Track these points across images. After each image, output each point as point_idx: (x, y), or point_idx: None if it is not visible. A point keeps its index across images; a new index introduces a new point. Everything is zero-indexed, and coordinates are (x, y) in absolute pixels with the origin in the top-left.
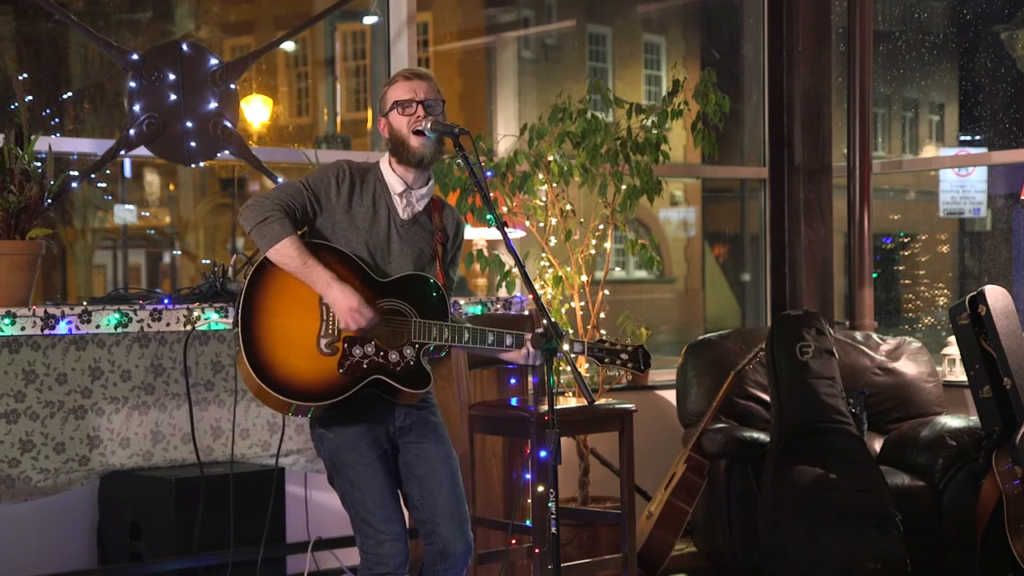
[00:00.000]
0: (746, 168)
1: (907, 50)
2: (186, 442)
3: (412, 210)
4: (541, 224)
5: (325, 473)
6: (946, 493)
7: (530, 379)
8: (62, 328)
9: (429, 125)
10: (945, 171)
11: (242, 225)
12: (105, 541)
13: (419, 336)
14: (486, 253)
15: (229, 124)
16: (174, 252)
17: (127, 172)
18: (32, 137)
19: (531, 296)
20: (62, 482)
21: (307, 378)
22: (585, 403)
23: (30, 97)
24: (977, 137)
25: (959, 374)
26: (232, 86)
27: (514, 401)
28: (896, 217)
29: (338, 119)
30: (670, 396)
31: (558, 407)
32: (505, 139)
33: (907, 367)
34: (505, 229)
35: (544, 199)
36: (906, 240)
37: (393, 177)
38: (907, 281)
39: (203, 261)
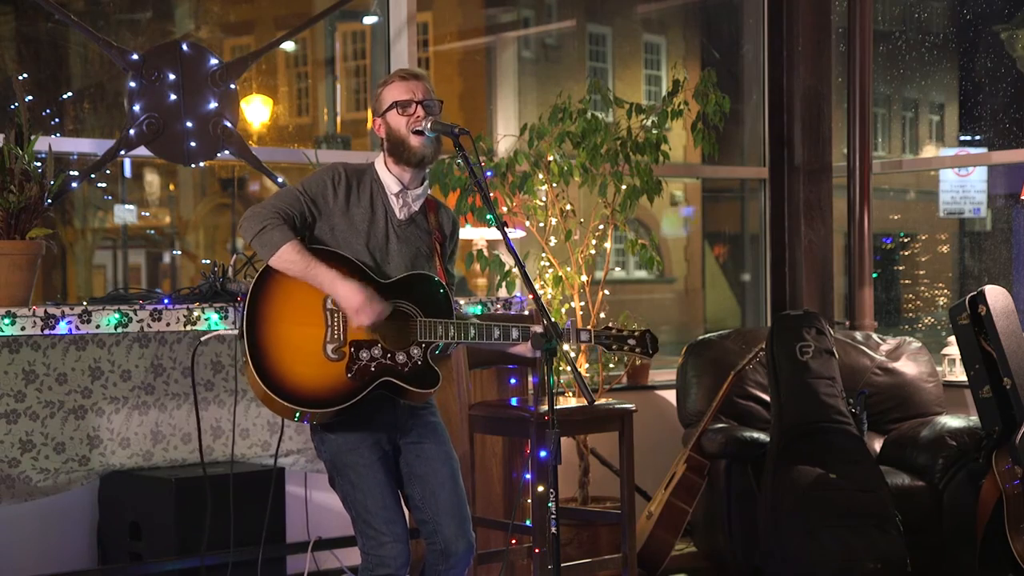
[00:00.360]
0: (746, 168)
1: (907, 50)
2: (186, 442)
3: (409, 210)
4: (541, 224)
5: (325, 473)
6: (946, 493)
7: (530, 379)
8: (62, 328)
9: (429, 125)
10: (945, 171)
11: (243, 237)
12: (105, 541)
13: (425, 335)
14: (486, 253)
15: (229, 124)
16: (174, 252)
17: (127, 172)
18: (32, 137)
19: (531, 296)
20: (62, 482)
21: (316, 385)
22: (585, 403)
23: (30, 97)
24: (977, 137)
25: (959, 374)
26: (232, 86)
27: (514, 401)
28: (896, 217)
29: (338, 119)
30: (670, 396)
31: (558, 407)
32: (505, 139)
33: (907, 367)
34: (505, 229)
35: (544, 199)
36: (906, 240)
37: (389, 177)
38: (907, 281)
39: (203, 261)
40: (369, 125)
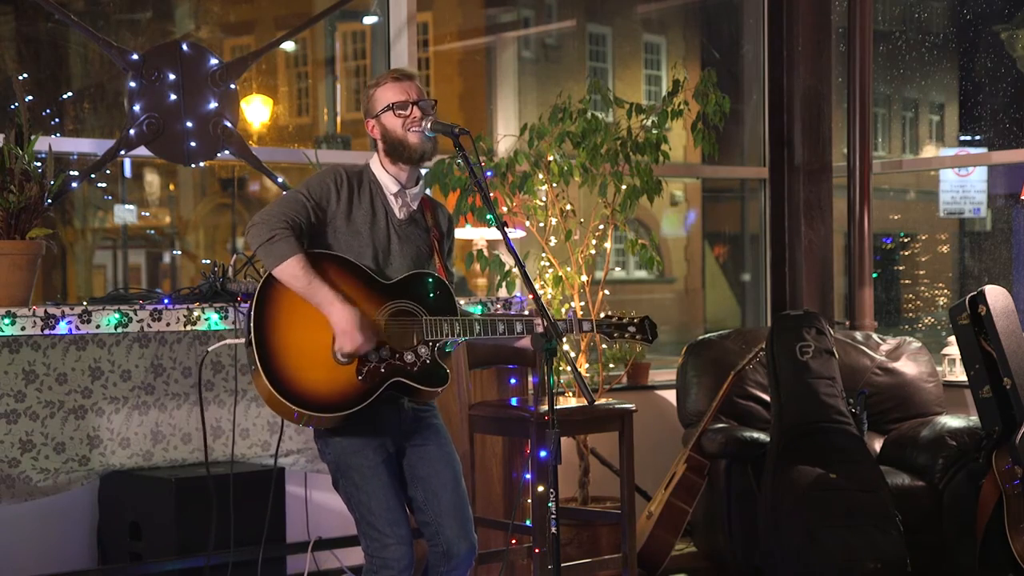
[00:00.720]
0: (746, 168)
1: (907, 50)
2: (186, 442)
3: (408, 209)
4: (541, 224)
5: (325, 473)
6: (946, 493)
7: (530, 379)
8: (62, 328)
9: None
10: (945, 171)
11: (249, 243)
12: (105, 541)
13: (431, 334)
14: (486, 253)
15: (229, 124)
16: (174, 252)
17: (127, 172)
18: (32, 137)
19: (531, 296)
20: (62, 482)
21: (327, 389)
22: (585, 403)
23: (30, 97)
24: (977, 137)
25: (959, 374)
26: (232, 86)
27: (514, 401)
28: (896, 217)
29: (338, 119)
30: (670, 396)
31: (558, 407)
32: (505, 139)
33: (907, 367)
34: (505, 229)
35: (544, 199)
36: (906, 240)
37: (387, 177)
38: (907, 281)
39: (203, 261)
40: None
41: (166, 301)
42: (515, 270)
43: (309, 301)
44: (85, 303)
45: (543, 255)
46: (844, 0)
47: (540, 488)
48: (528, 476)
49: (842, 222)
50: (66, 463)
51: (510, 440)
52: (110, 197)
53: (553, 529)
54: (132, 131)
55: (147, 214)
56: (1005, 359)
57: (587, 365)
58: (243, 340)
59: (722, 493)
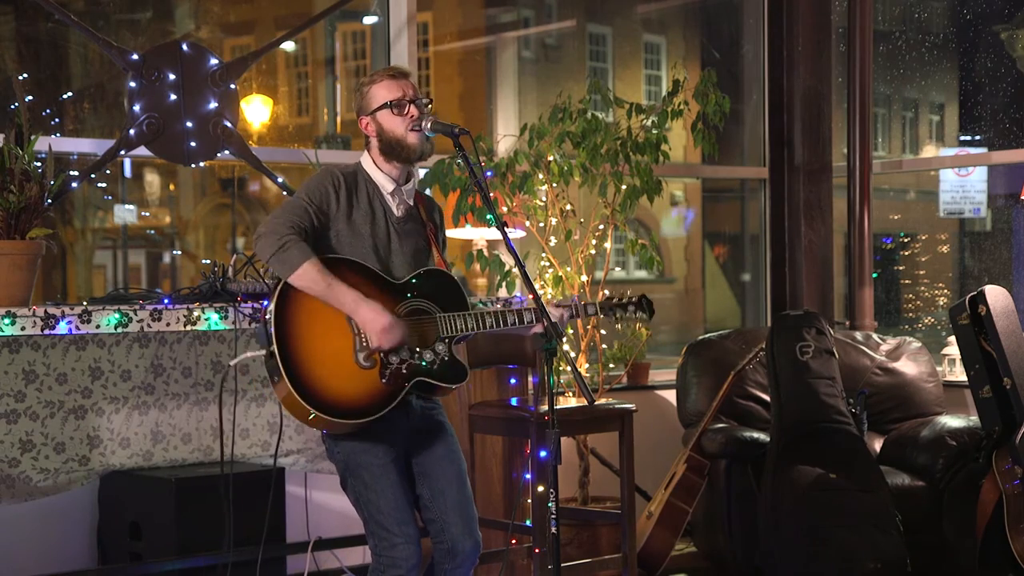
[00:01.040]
0: (746, 168)
1: (907, 50)
2: (186, 442)
3: (405, 206)
4: (541, 224)
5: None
6: (946, 493)
7: (530, 379)
8: (62, 328)
9: (429, 125)
10: (945, 171)
11: (258, 255)
12: (105, 541)
13: (447, 330)
14: (486, 253)
15: (229, 124)
16: (174, 252)
17: (127, 172)
18: (32, 137)
19: (531, 296)
20: (62, 482)
21: (353, 395)
22: (585, 403)
23: (30, 97)
24: (977, 137)
25: (959, 374)
26: (232, 86)
27: (514, 401)
28: (896, 217)
29: (338, 119)
30: (670, 396)
31: (558, 407)
32: (505, 139)
33: (907, 367)
34: (505, 229)
35: (544, 199)
36: (906, 240)
37: (382, 176)
38: (907, 281)
39: (203, 261)
40: None
41: (166, 301)
42: (515, 270)
43: (331, 304)
44: (85, 303)
45: (543, 255)
46: (844, 0)
47: (540, 488)
48: (528, 476)
49: (842, 222)
50: (66, 463)
51: (510, 440)
52: (110, 197)
53: (553, 529)
54: (132, 131)
55: (147, 214)
56: (1005, 359)
57: (587, 365)
58: (263, 353)
59: (722, 493)
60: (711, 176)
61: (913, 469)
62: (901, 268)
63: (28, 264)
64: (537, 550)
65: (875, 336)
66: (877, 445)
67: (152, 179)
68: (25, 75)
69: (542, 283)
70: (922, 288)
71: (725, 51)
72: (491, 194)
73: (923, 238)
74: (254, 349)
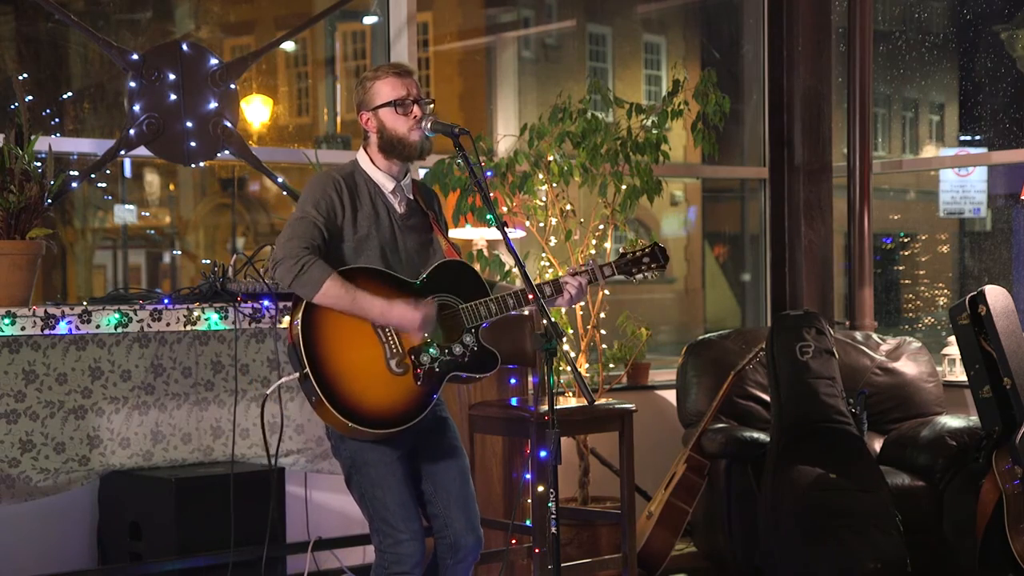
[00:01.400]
0: (746, 168)
1: (907, 50)
2: (186, 442)
3: (405, 201)
4: (541, 224)
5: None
6: (946, 493)
7: (530, 379)
8: (62, 328)
9: (429, 125)
10: (945, 171)
11: (279, 281)
12: (105, 541)
13: (472, 320)
14: (486, 253)
15: (229, 124)
16: (174, 252)
17: (127, 172)
18: (32, 137)
19: (531, 296)
20: (62, 482)
21: (392, 402)
22: (585, 403)
23: (30, 97)
24: (977, 137)
25: (959, 374)
26: (232, 86)
27: (514, 401)
28: (896, 217)
29: (338, 119)
30: (670, 396)
31: (558, 407)
32: (505, 139)
33: (907, 367)
34: (505, 229)
35: (544, 199)
36: (906, 240)
37: (381, 175)
38: (907, 281)
39: (203, 261)
40: None
41: (166, 301)
42: (515, 270)
43: (360, 316)
44: (85, 303)
45: (543, 255)
46: (844, 0)
47: (540, 488)
48: (528, 476)
49: (842, 222)
50: (66, 463)
51: (510, 440)
52: (110, 197)
53: (553, 529)
54: (132, 131)
55: (147, 214)
56: (1005, 359)
57: (587, 365)
58: (296, 375)
59: (722, 493)
60: (711, 176)
61: (913, 469)
62: (901, 268)
63: (28, 264)
64: (537, 550)
65: (875, 336)
66: (877, 445)
67: (152, 179)
68: (25, 75)
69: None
70: (922, 288)
71: (725, 51)
72: (491, 194)
73: (923, 238)
74: (285, 372)
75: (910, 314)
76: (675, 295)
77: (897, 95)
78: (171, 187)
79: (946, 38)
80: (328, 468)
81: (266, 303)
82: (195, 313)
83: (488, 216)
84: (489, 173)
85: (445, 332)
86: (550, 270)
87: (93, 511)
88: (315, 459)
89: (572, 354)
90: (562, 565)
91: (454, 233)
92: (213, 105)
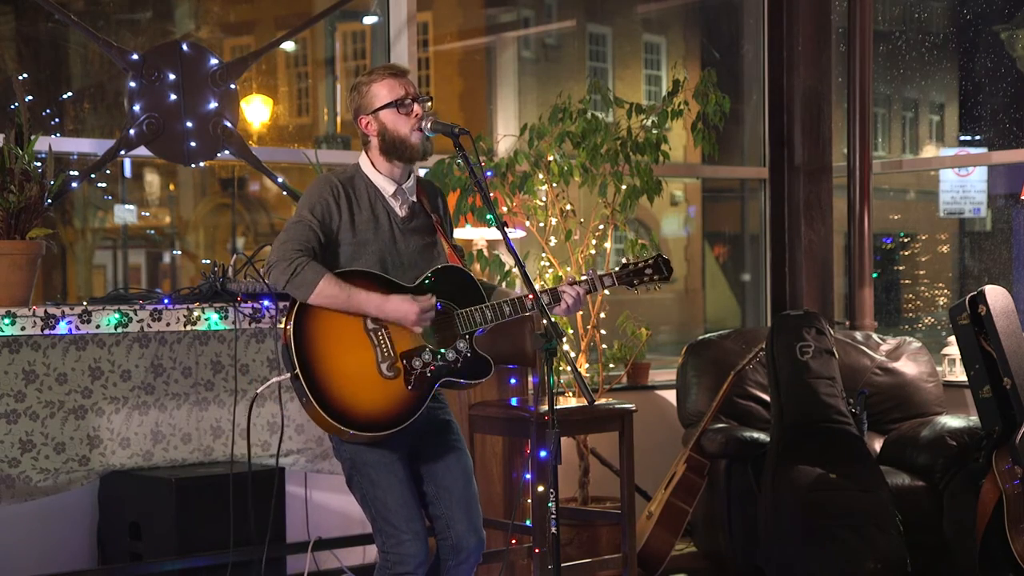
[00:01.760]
0: (746, 168)
1: (907, 50)
2: (186, 442)
3: (407, 205)
4: (541, 224)
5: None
6: (946, 493)
7: (530, 379)
8: (62, 328)
9: (429, 125)
10: (945, 171)
11: (273, 284)
12: (105, 541)
13: (466, 326)
14: (486, 253)
15: (229, 124)
16: (174, 252)
17: (127, 172)
18: (32, 137)
19: (531, 296)
20: (62, 482)
21: (382, 406)
22: (585, 403)
23: (30, 97)
24: (977, 137)
25: (959, 374)
26: (232, 86)
27: (514, 401)
28: (896, 217)
29: (338, 119)
30: (670, 396)
31: (558, 407)
32: (505, 139)
33: (907, 367)
34: (505, 229)
35: (544, 199)
36: (906, 240)
37: (382, 179)
38: (907, 281)
39: (203, 261)
40: None
41: (166, 301)
42: (515, 270)
43: (356, 312)
44: (85, 303)
45: (543, 255)
46: (844, 0)
47: (540, 488)
48: (528, 476)
49: (842, 222)
50: (66, 463)
51: (510, 440)
52: (110, 197)
53: (553, 529)
54: (132, 131)
55: (147, 214)
56: (1005, 359)
57: (587, 365)
58: (288, 375)
59: (722, 493)
60: (711, 176)
61: (913, 469)
62: (901, 268)
63: (28, 264)
64: (537, 550)
65: (875, 336)
66: (877, 445)
67: (152, 179)
68: (25, 75)
69: (542, 283)
70: (922, 288)
71: (725, 51)
72: (491, 194)
73: (923, 238)
74: (278, 372)
75: (910, 314)
76: (675, 295)
77: (897, 95)
78: (171, 187)
79: (946, 38)
80: (328, 468)
81: (266, 303)
82: (195, 313)
83: (488, 216)
84: (489, 173)
85: (439, 337)
86: (550, 270)
87: (93, 511)
88: (315, 459)
89: (572, 354)
90: (562, 565)
91: (454, 233)
92: (213, 105)
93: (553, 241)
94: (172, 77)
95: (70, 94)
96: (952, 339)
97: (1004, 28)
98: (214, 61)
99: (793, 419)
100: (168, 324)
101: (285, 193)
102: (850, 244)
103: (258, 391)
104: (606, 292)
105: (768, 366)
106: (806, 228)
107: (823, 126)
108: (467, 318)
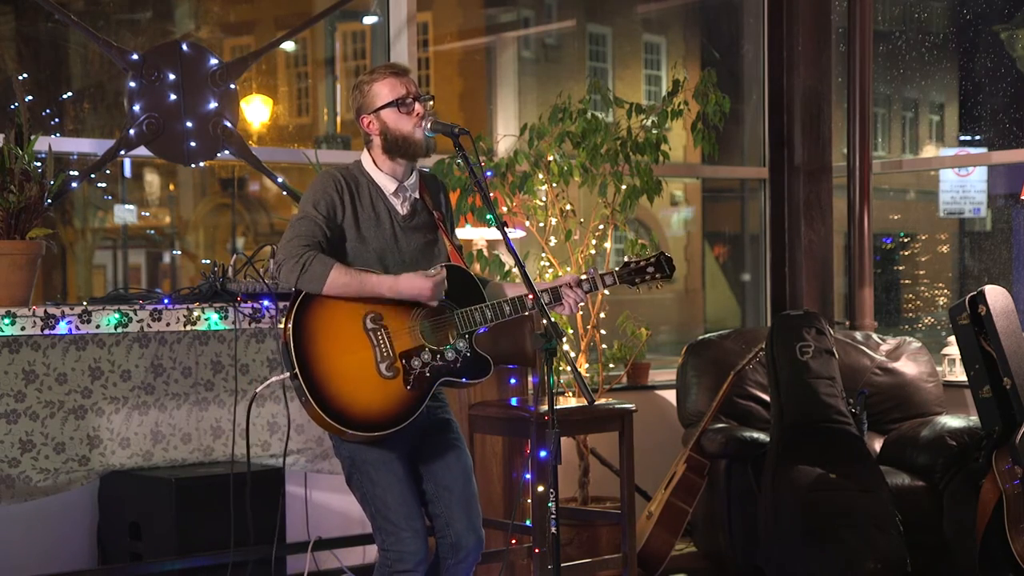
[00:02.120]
0: (746, 168)
1: (907, 50)
2: (186, 442)
3: (409, 203)
4: (541, 224)
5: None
6: (946, 493)
7: (530, 379)
8: (62, 328)
9: (430, 125)
10: (945, 171)
11: (284, 283)
12: (105, 541)
13: (465, 326)
14: (486, 253)
15: (229, 124)
16: (174, 252)
17: (127, 172)
18: (32, 137)
19: (531, 296)
20: (62, 482)
21: (381, 406)
22: (585, 403)
23: (30, 97)
24: (977, 137)
25: (959, 374)
26: (232, 86)
27: (514, 401)
28: (896, 217)
29: (338, 119)
30: (670, 396)
31: (558, 407)
32: (505, 139)
33: (907, 367)
34: (505, 229)
35: (544, 199)
36: (906, 240)
37: (383, 177)
38: (907, 281)
39: (203, 261)
40: None
41: (166, 301)
42: (515, 270)
43: (370, 295)
44: (85, 303)
45: (543, 255)
46: (844, 0)
47: (540, 488)
48: (528, 476)
49: (842, 222)
50: (66, 463)
51: (510, 440)
52: (110, 197)
53: (553, 529)
54: (132, 131)
55: (147, 214)
56: (1005, 359)
57: (587, 365)
58: (287, 375)
59: (722, 493)
60: (711, 176)
61: (913, 469)
62: (901, 268)
63: (28, 264)
64: (537, 550)
65: (875, 336)
66: (877, 445)
67: (152, 179)
68: (25, 75)
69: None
70: (922, 288)
71: (725, 51)
72: (491, 194)
73: (923, 238)
74: (278, 372)
75: (910, 314)
76: (675, 295)
77: (897, 95)
78: (171, 187)
79: (946, 38)
80: (328, 468)
81: (266, 303)
82: (195, 313)
83: (488, 216)
84: (489, 173)
85: (438, 336)
86: (550, 270)
87: (93, 511)
88: (315, 459)
89: (572, 354)
90: (562, 565)
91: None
92: (213, 105)
93: (553, 241)
94: (172, 77)
95: (70, 94)
96: (952, 339)
97: (1004, 28)
98: (214, 61)
99: (793, 419)
100: (168, 324)
101: (285, 193)
102: (850, 244)
103: (257, 391)
104: (606, 292)
105: (768, 366)
106: (806, 228)
107: (823, 126)
108: (467, 317)
